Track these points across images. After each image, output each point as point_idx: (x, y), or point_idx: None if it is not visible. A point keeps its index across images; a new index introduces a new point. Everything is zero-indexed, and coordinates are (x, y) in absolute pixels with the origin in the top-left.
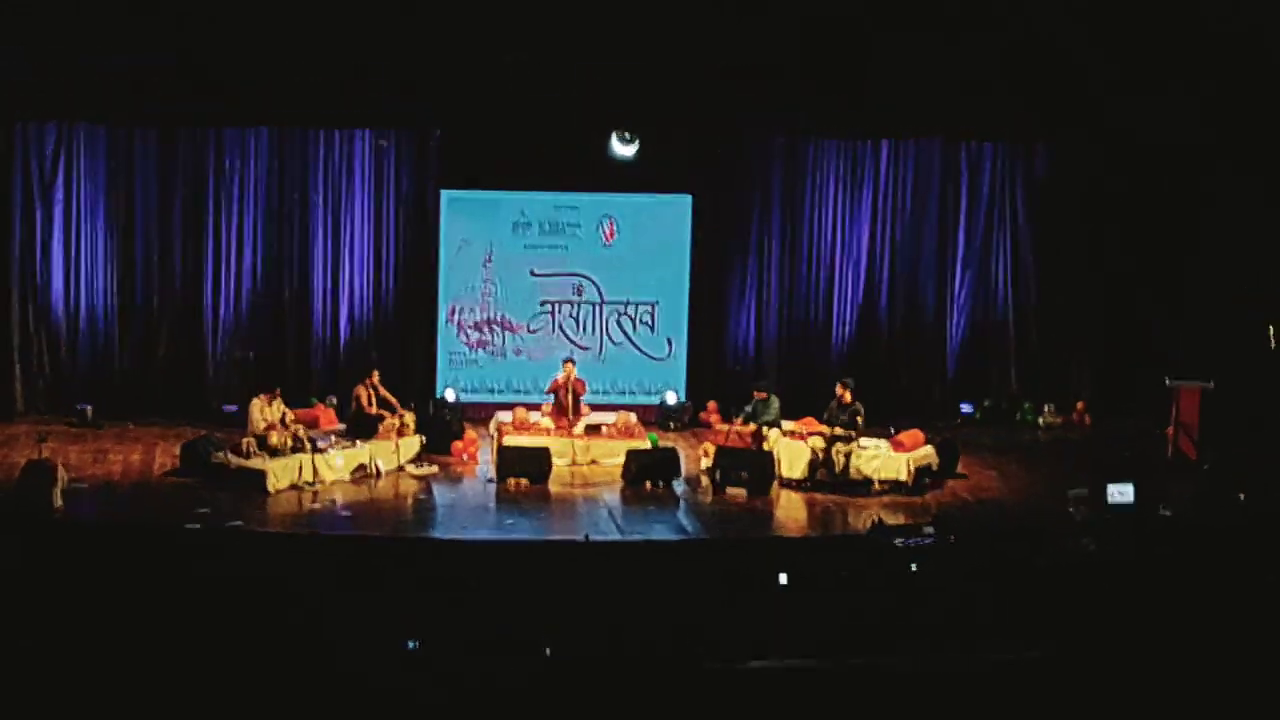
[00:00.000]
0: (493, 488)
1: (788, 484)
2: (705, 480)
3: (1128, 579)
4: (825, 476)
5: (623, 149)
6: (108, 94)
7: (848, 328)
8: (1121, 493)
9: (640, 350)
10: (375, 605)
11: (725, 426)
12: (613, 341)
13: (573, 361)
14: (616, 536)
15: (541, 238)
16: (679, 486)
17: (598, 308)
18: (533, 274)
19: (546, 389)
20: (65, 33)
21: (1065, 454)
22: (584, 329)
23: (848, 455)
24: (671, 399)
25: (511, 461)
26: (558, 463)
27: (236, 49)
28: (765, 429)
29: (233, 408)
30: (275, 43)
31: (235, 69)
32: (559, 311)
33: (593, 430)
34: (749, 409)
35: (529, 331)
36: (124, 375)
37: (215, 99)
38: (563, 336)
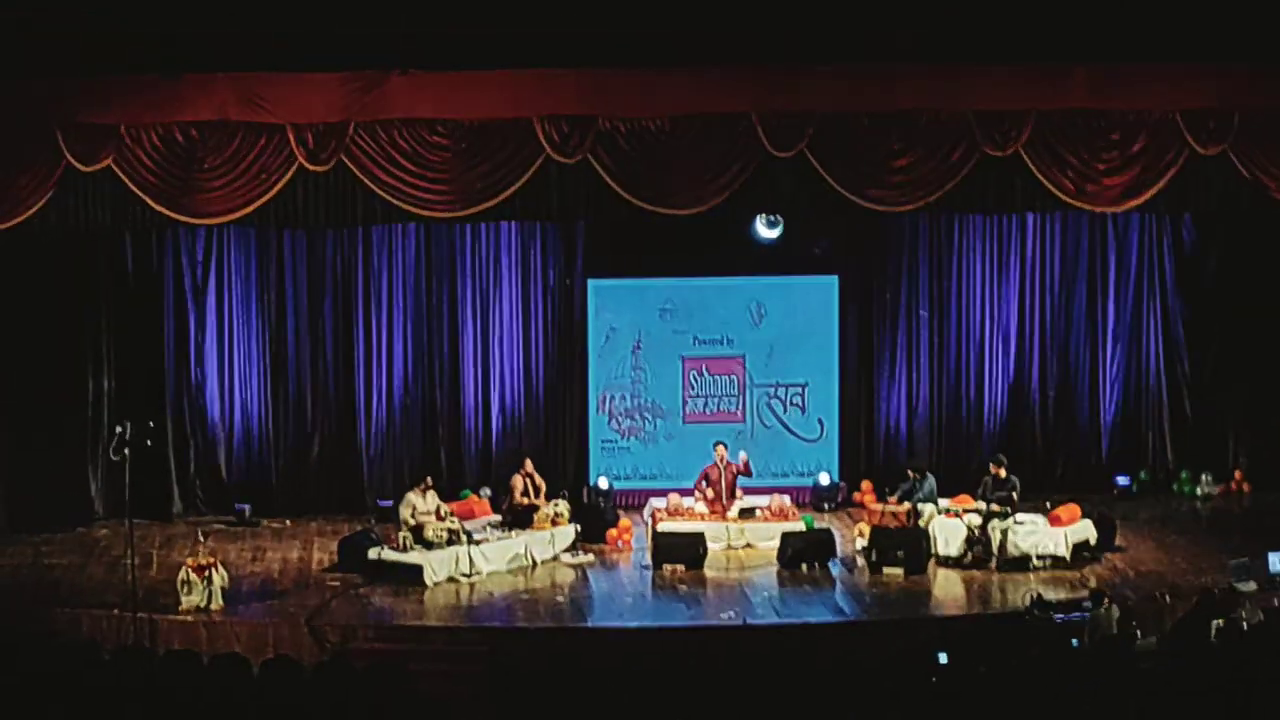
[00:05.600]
0: (649, 574)
1: (944, 562)
2: (861, 560)
3: None
4: (981, 554)
5: (768, 232)
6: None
7: (999, 403)
8: None
9: (792, 432)
10: (535, 695)
11: (880, 506)
12: (764, 424)
13: (724, 444)
14: (775, 620)
15: (689, 323)
16: (835, 568)
17: (748, 390)
18: (682, 359)
19: (699, 476)
20: None
21: (1225, 524)
22: (735, 412)
23: (1004, 532)
24: (825, 480)
25: (667, 547)
26: (713, 547)
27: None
28: (920, 507)
29: (388, 502)
30: None
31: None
32: (710, 396)
33: (747, 513)
34: (904, 487)
35: (680, 417)
36: (280, 473)
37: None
38: (714, 421)
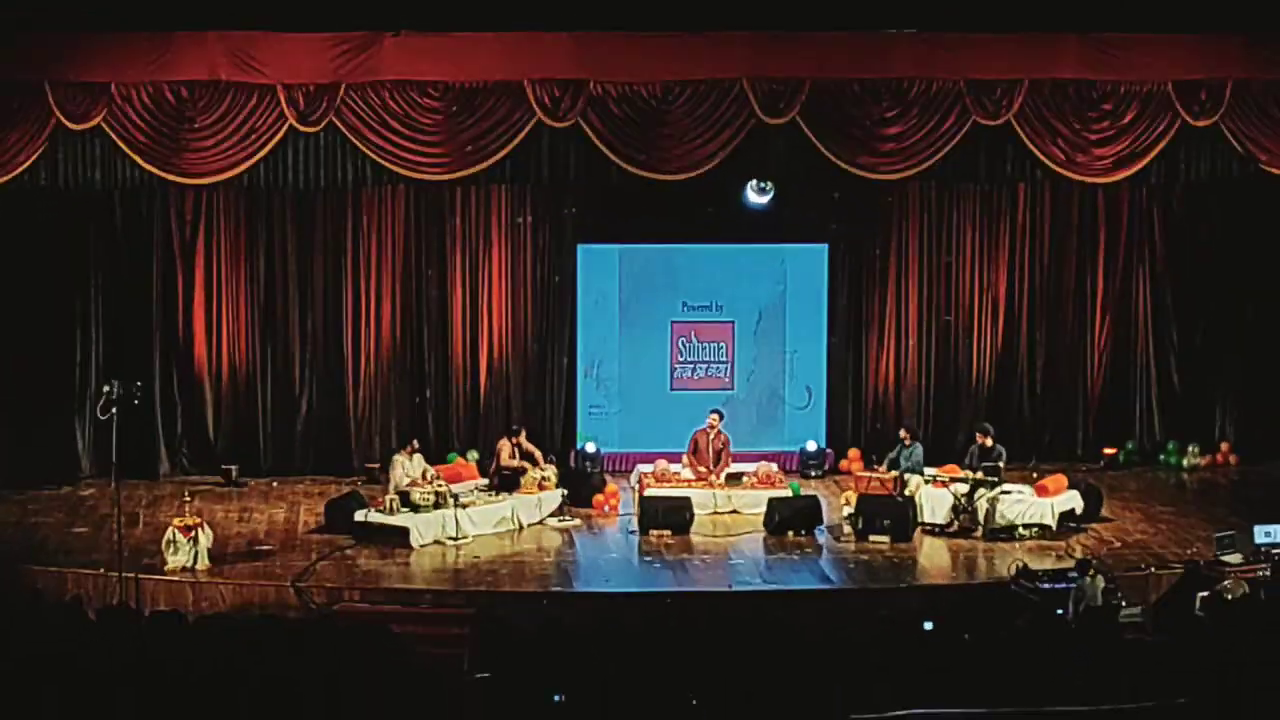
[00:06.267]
0: (635, 539)
1: (930, 530)
2: (847, 528)
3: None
4: (967, 522)
5: (758, 198)
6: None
7: (988, 372)
8: (1269, 534)
9: (780, 399)
10: (520, 659)
11: (866, 474)
12: (752, 390)
13: (719, 413)
14: (760, 586)
15: (679, 289)
16: (821, 535)
17: (736, 358)
18: (671, 325)
19: (689, 441)
20: None
21: (1211, 495)
22: (724, 378)
23: (991, 501)
24: (812, 447)
25: (653, 513)
26: (699, 513)
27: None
28: (906, 475)
29: (375, 464)
30: None
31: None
32: (698, 362)
33: (734, 480)
34: (892, 455)
35: (668, 383)
36: (267, 434)
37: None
38: (701, 387)
